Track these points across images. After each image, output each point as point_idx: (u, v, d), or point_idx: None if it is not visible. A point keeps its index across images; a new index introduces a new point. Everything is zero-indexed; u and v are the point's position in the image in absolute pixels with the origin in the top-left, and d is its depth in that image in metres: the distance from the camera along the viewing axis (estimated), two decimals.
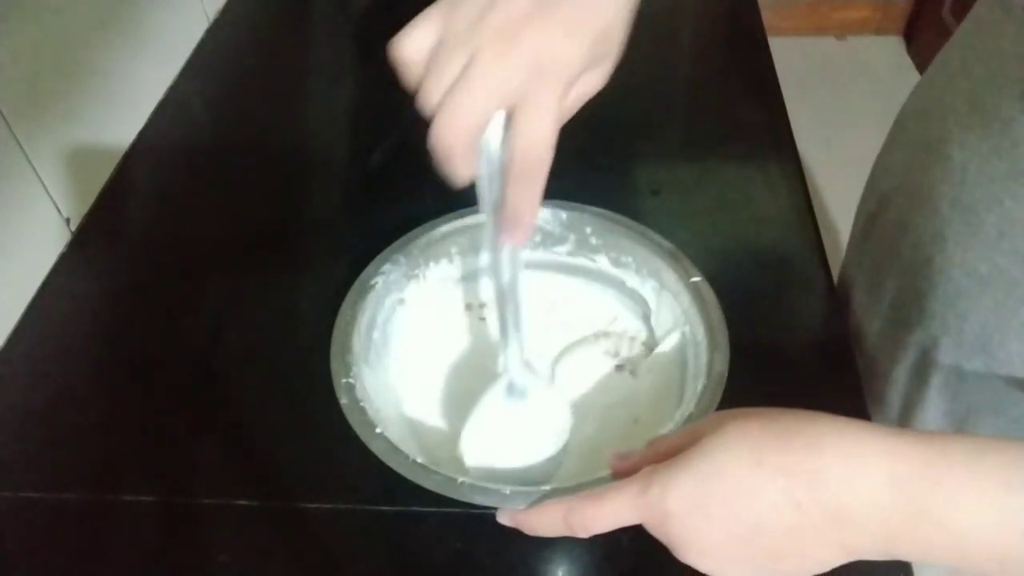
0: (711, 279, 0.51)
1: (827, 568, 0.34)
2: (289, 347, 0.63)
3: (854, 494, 0.32)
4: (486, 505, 0.41)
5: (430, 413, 0.56)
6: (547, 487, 0.41)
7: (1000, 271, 0.47)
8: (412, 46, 0.37)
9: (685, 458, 0.34)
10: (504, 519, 0.40)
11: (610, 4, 0.36)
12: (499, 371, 0.47)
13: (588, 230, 0.56)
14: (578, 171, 0.78)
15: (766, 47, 0.90)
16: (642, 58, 0.95)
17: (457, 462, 0.52)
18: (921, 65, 2.20)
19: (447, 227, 0.56)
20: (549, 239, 0.57)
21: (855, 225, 0.68)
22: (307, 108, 0.89)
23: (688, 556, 0.34)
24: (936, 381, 0.54)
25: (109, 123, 0.79)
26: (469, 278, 0.59)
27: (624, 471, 0.39)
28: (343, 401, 0.46)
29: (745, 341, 0.48)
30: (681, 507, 0.33)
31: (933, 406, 0.55)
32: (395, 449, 0.43)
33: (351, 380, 0.47)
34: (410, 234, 0.55)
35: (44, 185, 0.69)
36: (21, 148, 0.66)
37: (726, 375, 0.46)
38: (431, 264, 0.56)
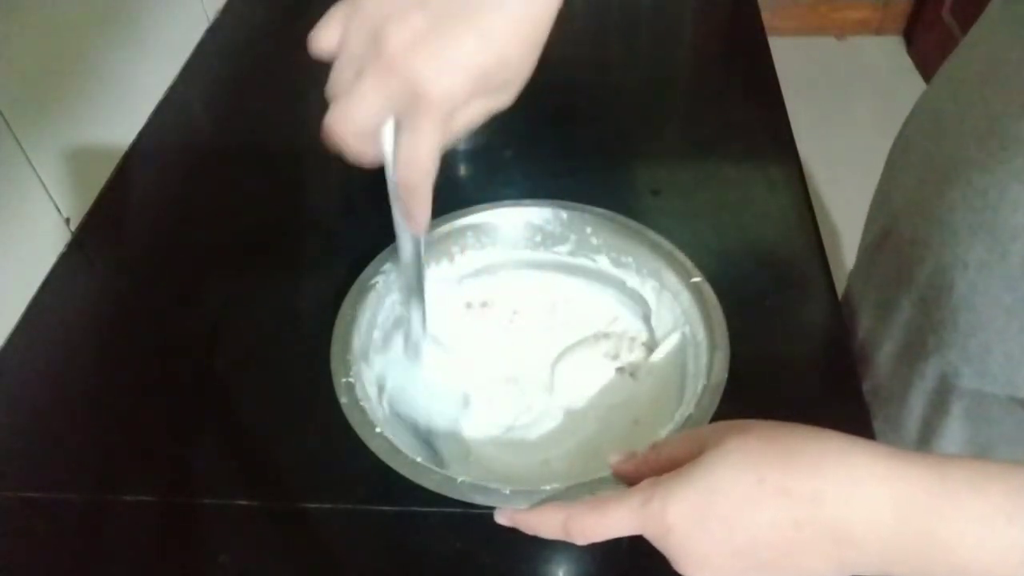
0: (711, 279, 0.51)
1: None
2: (289, 347, 0.63)
3: (854, 516, 0.32)
4: (486, 505, 0.41)
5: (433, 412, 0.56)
6: (547, 487, 0.41)
7: None
8: (320, 45, 0.41)
9: (687, 472, 0.34)
10: (502, 519, 0.40)
11: (507, 38, 0.36)
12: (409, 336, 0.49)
13: (588, 230, 0.56)
14: (578, 171, 0.79)
15: (766, 47, 0.90)
16: (642, 58, 0.96)
17: (461, 461, 0.52)
18: (921, 65, 2.20)
19: (447, 227, 0.56)
20: (550, 239, 0.57)
21: (863, 242, 0.67)
22: (307, 108, 0.89)
23: (687, 569, 0.35)
24: (957, 410, 0.53)
25: (109, 123, 0.79)
26: (469, 277, 0.59)
27: (625, 473, 0.39)
28: (343, 401, 0.46)
29: (745, 341, 0.48)
30: (681, 521, 0.34)
31: (953, 433, 0.54)
32: (395, 449, 0.43)
33: (351, 380, 0.47)
34: None
35: (44, 185, 0.69)
36: (21, 148, 0.66)
37: (726, 375, 0.46)
38: (431, 264, 0.56)
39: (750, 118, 0.81)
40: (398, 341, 0.52)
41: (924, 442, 0.58)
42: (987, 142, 0.46)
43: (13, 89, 0.65)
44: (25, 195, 0.67)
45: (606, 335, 0.59)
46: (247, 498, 0.53)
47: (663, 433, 0.44)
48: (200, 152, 0.83)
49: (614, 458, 0.40)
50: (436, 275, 0.57)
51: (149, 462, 0.56)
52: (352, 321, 0.50)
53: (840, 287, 0.65)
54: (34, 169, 0.68)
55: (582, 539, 0.37)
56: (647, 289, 0.55)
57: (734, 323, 0.48)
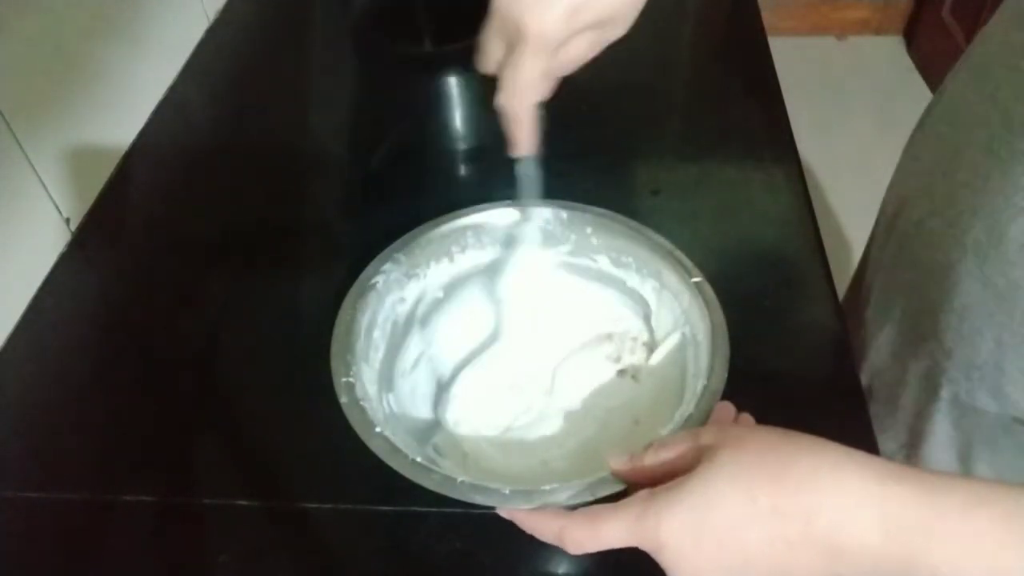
0: (711, 279, 0.51)
1: None
2: (289, 347, 0.63)
3: (846, 535, 0.32)
4: (486, 505, 0.41)
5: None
6: (547, 487, 0.41)
7: (1018, 287, 0.46)
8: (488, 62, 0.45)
9: (679, 487, 0.34)
10: (503, 511, 0.40)
11: None
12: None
13: (589, 230, 0.56)
14: (578, 171, 0.78)
15: (766, 47, 0.90)
16: (642, 58, 0.96)
17: (459, 461, 0.52)
18: (921, 65, 2.20)
19: (447, 227, 0.56)
20: (550, 239, 0.57)
21: (874, 232, 0.67)
22: (307, 108, 0.89)
23: None
24: (943, 407, 0.54)
25: (109, 123, 0.79)
26: (469, 276, 0.59)
27: (623, 475, 0.39)
28: (343, 400, 0.46)
29: (745, 341, 0.48)
30: (675, 538, 0.34)
31: (941, 426, 0.55)
32: (395, 449, 0.43)
33: (351, 379, 0.47)
34: (410, 234, 0.55)
35: (44, 185, 0.69)
36: (21, 148, 0.66)
37: (726, 376, 0.45)
38: (432, 263, 0.56)
39: (750, 118, 0.81)
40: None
41: (913, 444, 0.58)
42: (994, 126, 0.47)
43: (13, 89, 0.65)
44: (25, 195, 0.67)
45: (607, 336, 0.59)
46: (247, 498, 0.53)
47: (663, 433, 0.44)
48: (200, 152, 0.83)
49: (613, 459, 0.40)
50: (436, 275, 0.57)
51: (149, 462, 0.56)
52: (352, 321, 0.50)
53: (840, 287, 0.65)
54: (34, 169, 0.68)
55: (576, 549, 0.37)
56: (647, 289, 0.55)
57: (734, 323, 0.48)
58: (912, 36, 2.26)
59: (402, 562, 0.51)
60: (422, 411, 0.56)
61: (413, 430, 0.54)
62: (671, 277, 0.52)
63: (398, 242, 0.55)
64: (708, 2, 1.05)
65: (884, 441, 0.62)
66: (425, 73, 0.93)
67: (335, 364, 0.47)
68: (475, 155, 0.83)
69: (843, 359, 0.60)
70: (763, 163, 0.75)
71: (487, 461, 0.52)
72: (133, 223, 0.76)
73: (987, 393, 0.50)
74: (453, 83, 0.92)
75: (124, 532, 0.53)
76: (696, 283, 0.51)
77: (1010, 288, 0.46)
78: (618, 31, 0.46)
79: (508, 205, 0.57)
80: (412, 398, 0.56)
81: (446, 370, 0.58)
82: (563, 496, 0.40)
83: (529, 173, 0.50)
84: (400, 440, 0.44)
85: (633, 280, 0.56)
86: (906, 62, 2.24)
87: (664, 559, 0.35)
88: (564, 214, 0.56)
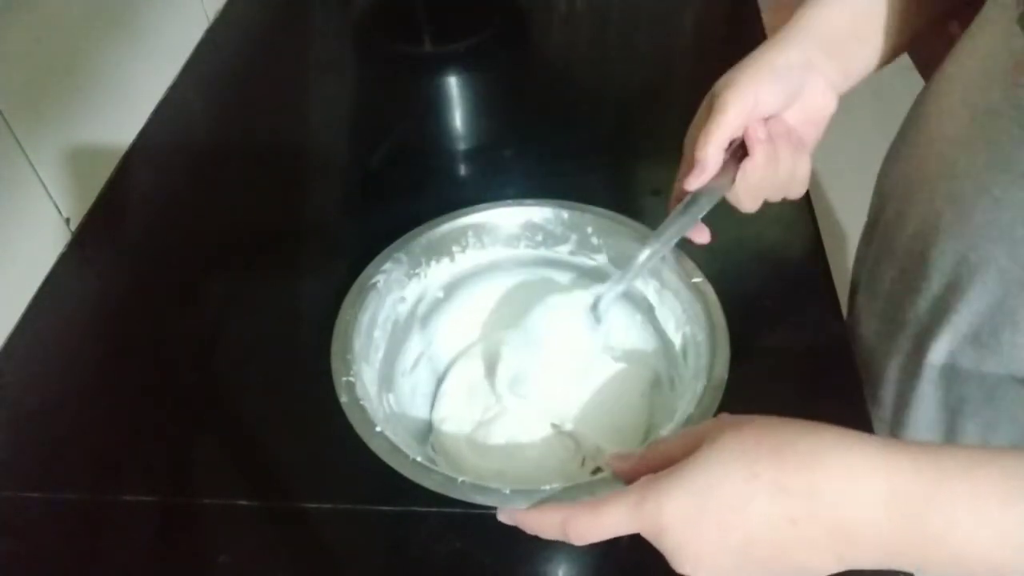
0: (711, 279, 0.51)
1: (823, 575, 0.34)
2: (289, 347, 0.63)
3: (850, 510, 0.32)
4: (486, 505, 0.41)
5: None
6: (547, 487, 0.41)
7: (989, 260, 0.47)
8: None
9: (680, 470, 0.34)
10: (504, 517, 0.40)
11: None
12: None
13: (589, 229, 0.56)
14: (579, 171, 0.79)
15: None
16: (642, 58, 0.96)
17: (462, 462, 0.52)
18: (921, 65, 2.20)
19: (447, 227, 0.56)
20: (551, 238, 0.57)
21: (864, 228, 0.68)
22: (307, 108, 0.90)
23: (683, 567, 0.35)
24: (928, 374, 0.54)
25: (109, 123, 0.79)
26: (469, 276, 0.59)
27: (623, 472, 0.39)
28: (343, 400, 0.46)
29: (745, 341, 0.48)
30: (676, 521, 0.34)
31: (926, 400, 0.56)
32: (395, 448, 0.43)
33: (351, 379, 0.47)
34: (410, 233, 0.55)
35: (44, 185, 0.69)
36: (21, 148, 0.66)
37: (726, 375, 0.45)
38: (432, 263, 0.56)
39: None
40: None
41: (898, 414, 0.59)
42: (960, 113, 0.49)
43: (13, 89, 0.65)
44: (25, 195, 0.67)
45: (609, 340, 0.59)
46: (247, 498, 0.53)
47: (663, 432, 0.44)
48: (200, 152, 0.83)
49: (613, 458, 0.40)
50: (437, 274, 0.57)
51: (149, 462, 0.56)
52: (352, 321, 0.50)
53: (840, 287, 0.65)
54: (34, 169, 0.68)
55: (579, 540, 0.37)
56: (648, 289, 0.55)
57: (734, 323, 0.48)
58: None
59: (402, 562, 0.51)
60: (422, 411, 0.57)
61: (413, 430, 0.54)
62: (671, 277, 0.52)
63: (398, 242, 0.55)
64: (708, 2, 1.05)
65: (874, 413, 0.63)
66: (425, 73, 0.93)
67: (335, 364, 0.47)
68: (475, 155, 0.83)
69: (843, 359, 0.60)
70: None
71: (462, 460, 0.52)
72: (133, 223, 0.76)
73: (969, 360, 0.51)
74: (453, 83, 0.92)
75: (124, 532, 0.53)
76: (696, 283, 0.51)
77: (981, 262, 0.48)
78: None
79: (508, 205, 0.57)
80: (412, 398, 0.56)
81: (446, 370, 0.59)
82: (564, 497, 0.40)
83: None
84: (400, 440, 0.44)
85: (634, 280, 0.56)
86: (906, 62, 2.23)
87: (666, 543, 0.34)
88: (565, 214, 0.56)
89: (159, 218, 0.76)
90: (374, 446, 0.43)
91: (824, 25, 0.51)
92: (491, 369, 0.56)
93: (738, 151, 0.48)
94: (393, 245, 0.55)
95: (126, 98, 0.82)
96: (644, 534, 0.35)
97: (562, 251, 0.58)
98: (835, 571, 0.33)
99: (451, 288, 0.58)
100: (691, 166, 0.48)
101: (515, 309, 0.56)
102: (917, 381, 0.55)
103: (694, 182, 0.47)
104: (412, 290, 0.56)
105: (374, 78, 0.94)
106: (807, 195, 0.71)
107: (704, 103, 0.51)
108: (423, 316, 0.57)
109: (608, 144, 0.82)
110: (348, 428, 0.44)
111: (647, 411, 0.54)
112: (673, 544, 0.34)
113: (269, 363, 0.62)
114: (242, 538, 0.52)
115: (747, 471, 0.33)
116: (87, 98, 0.75)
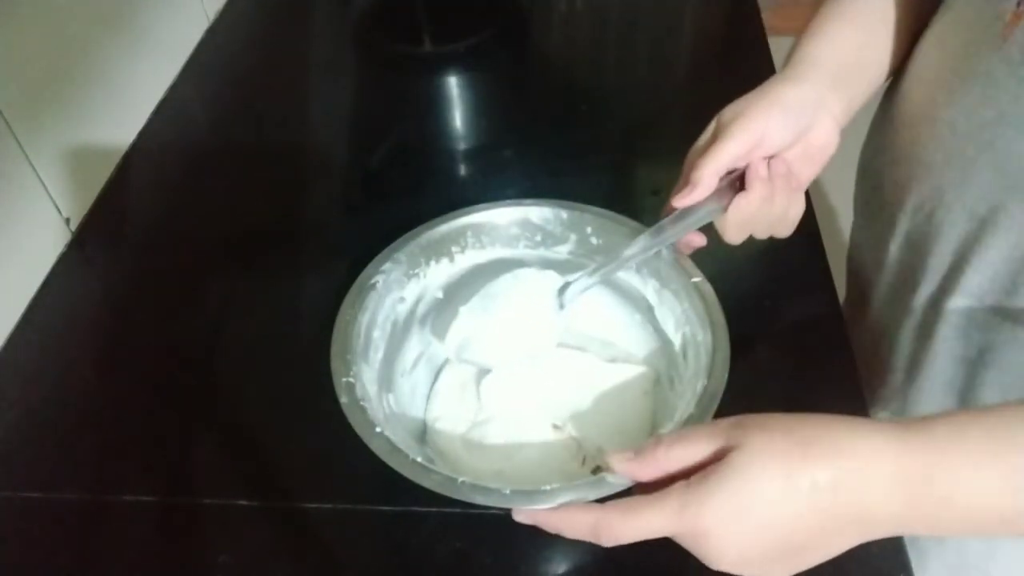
0: (711, 279, 0.51)
1: (842, 551, 0.36)
2: (289, 347, 0.63)
3: (869, 494, 0.34)
4: (486, 505, 0.41)
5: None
6: (548, 487, 0.41)
7: (999, 209, 0.48)
8: None
9: (718, 476, 0.36)
10: (522, 517, 0.40)
11: None
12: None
13: (589, 230, 0.56)
14: (578, 171, 0.79)
15: (766, 47, 0.90)
16: (642, 58, 0.96)
17: (459, 462, 0.52)
18: None
19: (447, 227, 0.56)
20: (550, 239, 0.57)
21: (855, 211, 0.69)
22: (307, 108, 0.90)
23: (722, 566, 0.36)
24: (944, 332, 0.55)
25: (109, 123, 0.79)
26: (469, 276, 0.59)
27: (629, 472, 0.39)
28: (343, 400, 0.46)
29: (745, 341, 0.48)
30: (719, 524, 0.35)
31: (940, 357, 0.57)
32: (395, 449, 0.43)
33: (351, 379, 0.47)
34: (410, 233, 0.55)
35: (44, 185, 0.69)
36: (21, 148, 0.66)
37: (726, 375, 0.45)
38: (431, 263, 0.56)
39: None
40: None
41: (910, 376, 0.60)
42: (950, 82, 0.50)
43: (13, 89, 0.65)
44: (25, 195, 0.67)
45: (609, 342, 0.59)
46: (247, 498, 0.53)
47: (662, 432, 0.44)
48: (200, 152, 0.83)
49: (616, 457, 0.40)
50: (436, 274, 0.57)
51: (149, 462, 0.56)
52: (352, 321, 0.50)
53: (840, 287, 0.66)
54: (34, 169, 0.68)
55: (612, 542, 0.37)
56: (647, 289, 0.55)
57: (734, 323, 0.48)
58: None
59: (402, 562, 0.51)
60: (421, 411, 0.57)
61: (413, 430, 0.54)
62: (671, 277, 0.52)
63: (398, 242, 0.55)
64: (708, 2, 1.05)
65: (876, 413, 0.64)
66: (425, 73, 0.93)
67: (335, 364, 0.47)
68: (475, 155, 0.83)
69: (843, 359, 0.60)
70: None
71: (458, 460, 0.52)
72: (133, 223, 0.76)
73: (987, 317, 0.53)
74: (453, 83, 0.92)
75: (124, 532, 0.53)
76: (696, 283, 0.51)
77: (991, 213, 0.49)
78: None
79: (508, 205, 0.57)
80: (412, 398, 0.56)
81: None
82: (564, 496, 0.40)
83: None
84: (400, 440, 0.44)
85: (633, 280, 0.56)
86: None
87: (706, 547, 0.36)
88: (565, 214, 0.56)
89: (159, 218, 0.76)
90: (374, 446, 0.43)
91: (834, 57, 0.52)
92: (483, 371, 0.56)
93: (736, 181, 0.49)
94: (393, 245, 0.55)
95: (126, 98, 0.82)
96: (680, 536, 0.37)
97: (561, 251, 0.58)
98: (855, 544, 0.36)
99: (451, 288, 0.58)
100: (685, 184, 0.48)
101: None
102: (931, 341, 0.56)
103: (681, 200, 0.48)
104: (411, 290, 0.56)
105: (374, 78, 0.94)
106: (807, 195, 0.71)
107: (710, 127, 0.51)
108: (423, 316, 0.57)
109: (608, 144, 0.82)
110: (348, 428, 0.44)
111: (650, 411, 0.54)
112: (715, 546, 0.36)
113: (269, 363, 0.62)
114: (242, 538, 0.52)
115: (783, 471, 0.35)
116: (87, 98, 0.75)
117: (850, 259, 0.71)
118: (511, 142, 0.82)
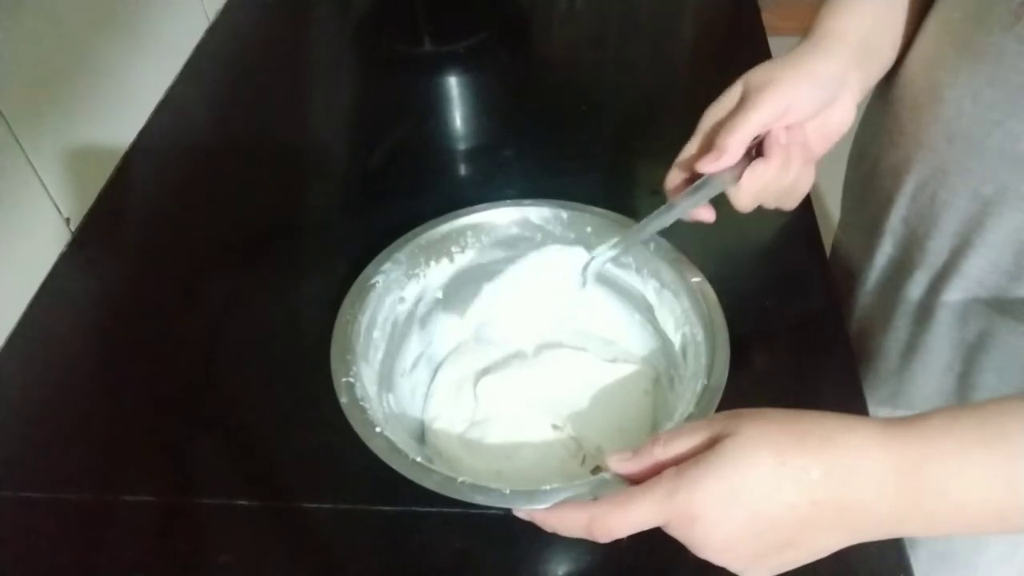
0: (711, 279, 0.51)
1: (830, 552, 0.36)
2: (289, 347, 0.63)
3: (861, 487, 0.34)
4: (486, 505, 0.41)
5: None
6: (547, 487, 0.41)
7: (1005, 188, 0.48)
8: None
9: (707, 461, 0.35)
10: (521, 514, 0.40)
11: None
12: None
13: (588, 230, 0.56)
14: (578, 171, 0.78)
15: (766, 47, 0.90)
16: (642, 58, 0.96)
17: (457, 462, 0.52)
18: None
19: (447, 227, 0.56)
20: (550, 238, 0.57)
21: (844, 201, 0.69)
22: (307, 108, 0.90)
23: (708, 553, 0.36)
24: (942, 315, 0.55)
25: (109, 123, 0.79)
26: (469, 276, 0.59)
27: (628, 472, 0.39)
28: (343, 400, 0.46)
29: (745, 341, 0.48)
30: (708, 510, 0.35)
31: (938, 340, 0.56)
32: (395, 449, 0.43)
33: (351, 379, 0.47)
34: (410, 233, 0.55)
35: (44, 185, 0.69)
36: (21, 148, 0.66)
37: (726, 375, 0.45)
38: (431, 263, 0.56)
39: None
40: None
41: (905, 363, 0.60)
42: (956, 62, 0.49)
43: (13, 89, 0.65)
44: (25, 195, 0.67)
45: (610, 342, 0.59)
46: (247, 498, 0.53)
47: (662, 433, 0.44)
48: (200, 152, 0.83)
49: (615, 458, 0.40)
50: (436, 274, 0.57)
51: (149, 462, 0.56)
52: (352, 321, 0.50)
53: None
54: (34, 169, 0.68)
55: (606, 537, 0.37)
56: (647, 289, 0.55)
57: (734, 323, 0.48)
58: None
59: (402, 562, 0.51)
60: (421, 411, 0.57)
61: (412, 430, 0.54)
62: (671, 277, 0.52)
63: (398, 242, 0.55)
64: (708, 2, 1.05)
65: (873, 406, 0.63)
66: (425, 73, 0.93)
67: (335, 364, 0.48)
68: (475, 155, 0.83)
69: (843, 359, 0.60)
70: None
71: (457, 460, 0.52)
72: (133, 223, 0.76)
73: (988, 293, 0.52)
74: (453, 83, 0.92)
75: (124, 532, 0.53)
76: (696, 283, 0.51)
77: (997, 192, 0.48)
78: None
79: (508, 205, 0.57)
80: (411, 398, 0.56)
81: None
82: (564, 496, 0.40)
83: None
84: (400, 440, 0.44)
85: (633, 280, 0.56)
86: None
87: (694, 533, 0.35)
88: (565, 214, 0.56)
89: (159, 218, 0.76)
90: (374, 446, 0.43)
91: (856, 32, 0.52)
92: (484, 370, 0.56)
93: (751, 149, 0.48)
94: (393, 245, 0.55)
95: (126, 98, 0.82)
96: (670, 524, 0.36)
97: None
98: (844, 545, 0.35)
99: (451, 288, 0.58)
100: (709, 149, 0.48)
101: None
102: (929, 324, 0.56)
103: (709, 166, 0.48)
104: (411, 290, 0.56)
105: (374, 78, 0.94)
106: (808, 196, 0.71)
107: (734, 90, 0.50)
108: (423, 316, 0.57)
109: (608, 144, 0.82)
110: (348, 428, 0.44)
111: (651, 410, 0.54)
112: (702, 532, 0.35)
113: (269, 363, 0.62)
114: (242, 538, 0.52)
115: (775, 459, 0.34)
116: (87, 98, 0.75)
117: (836, 245, 0.71)
118: (511, 142, 0.82)
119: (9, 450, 0.58)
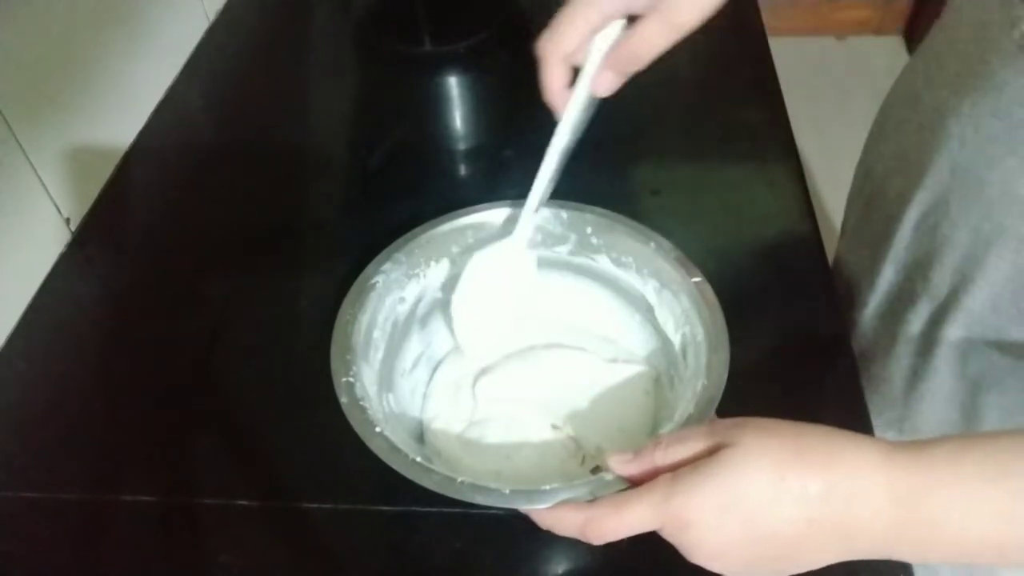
0: (711, 279, 0.51)
1: (821, 566, 0.36)
2: (289, 347, 0.63)
3: (860, 508, 0.34)
4: (486, 505, 0.41)
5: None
6: (547, 487, 0.41)
7: (1004, 228, 0.47)
8: None
9: (706, 468, 0.35)
10: (521, 508, 0.40)
11: None
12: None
13: (589, 230, 0.56)
14: (578, 171, 0.78)
15: (766, 47, 0.90)
16: None
17: (456, 462, 0.52)
18: None
19: (447, 227, 0.56)
20: (550, 238, 0.57)
21: (847, 216, 0.68)
22: (307, 108, 0.89)
23: (698, 558, 0.36)
24: (944, 350, 0.54)
25: (109, 123, 0.79)
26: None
27: (629, 474, 0.39)
28: (343, 400, 0.46)
29: (745, 341, 0.48)
30: (702, 517, 0.35)
31: (940, 373, 0.56)
32: (395, 449, 0.43)
33: (351, 379, 0.47)
34: (410, 233, 0.55)
35: (44, 185, 0.69)
36: (21, 148, 0.66)
37: (726, 375, 0.45)
38: (431, 263, 0.56)
39: (750, 118, 0.81)
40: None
41: (909, 391, 0.59)
42: (961, 88, 0.49)
43: (13, 89, 0.65)
44: (25, 195, 0.67)
45: (610, 340, 0.59)
46: (247, 498, 0.53)
47: (662, 433, 0.44)
48: (200, 152, 0.83)
49: (615, 459, 0.40)
50: (436, 274, 0.57)
51: (149, 462, 0.56)
52: (352, 321, 0.50)
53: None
54: (34, 169, 0.68)
55: (600, 540, 0.37)
56: (647, 289, 0.55)
57: (734, 323, 0.48)
58: (912, 36, 2.26)
59: (402, 562, 0.51)
60: (421, 411, 0.57)
61: (413, 430, 0.54)
62: (671, 277, 0.52)
63: (398, 242, 0.55)
64: None
65: (879, 427, 0.63)
66: (425, 73, 0.93)
67: (335, 364, 0.47)
68: (475, 155, 0.83)
69: (843, 358, 0.60)
70: (763, 163, 0.75)
71: (457, 460, 0.52)
72: (133, 223, 0.76)
73: (990, 333, 0.51)
74: (453, 83, 0.92)
75: (124, 532, 0.53)
76: (696, 283, 0.51)
77: (995, 232, 0.48)
78: (684, 16, 0.44)
79: (508, 205, 0.57)
80: (411, 398, 0.56)
81: None
82: (564, 496, 0.40)
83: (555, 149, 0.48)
84: (400, 440, 0.44)
85: (633, 280, 0.56)
86: (906, 62, 2.24)
87: (686, 538, 0.35)
88: (565, 214, 0.56)
89: (159, 218, 0.76)
90: (374, 446, 0.43)
91: None
92: (482, 370, 0.56)
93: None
94: (393, 245, 0.55)
95: (126, 98, 0.82)
96: (664, 529, 0.36)
97: (562, 251, 0.58)
98: (836, 561, 0.35)
99: (451, 288, 0.58)
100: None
101: None
102: (931, 357, 0.56)
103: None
104: (412, 290, 0.56)
105: (374, 78, 0.94)
106: (807, 195, 0.71)
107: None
108: (423, 316, 0.57)
109: (608, 144, 0.82)
110: (348, 428, 0.44)
111: (651, 410, 0.54)
112: (694, 538, 0.35)
113: (269, 363, 0.62)
114: (242, 538, 0.52)
115: (775, 473, 0.34)
116: (87, 98, 0.75)
117: (839, 260, 0.70)
118: (511, 142, 0.82)
119: (9, 450, 0.58)
